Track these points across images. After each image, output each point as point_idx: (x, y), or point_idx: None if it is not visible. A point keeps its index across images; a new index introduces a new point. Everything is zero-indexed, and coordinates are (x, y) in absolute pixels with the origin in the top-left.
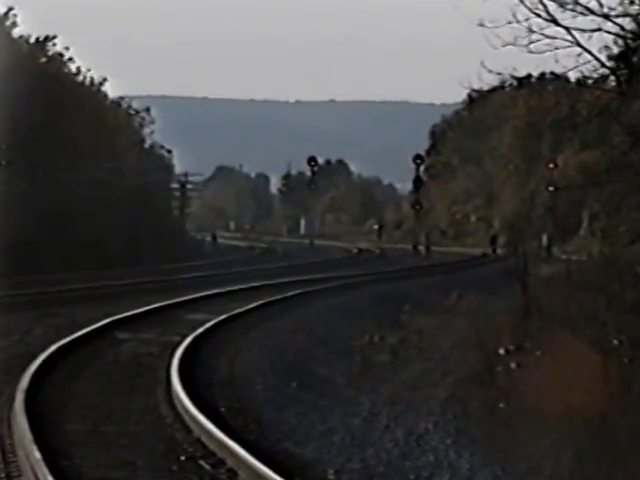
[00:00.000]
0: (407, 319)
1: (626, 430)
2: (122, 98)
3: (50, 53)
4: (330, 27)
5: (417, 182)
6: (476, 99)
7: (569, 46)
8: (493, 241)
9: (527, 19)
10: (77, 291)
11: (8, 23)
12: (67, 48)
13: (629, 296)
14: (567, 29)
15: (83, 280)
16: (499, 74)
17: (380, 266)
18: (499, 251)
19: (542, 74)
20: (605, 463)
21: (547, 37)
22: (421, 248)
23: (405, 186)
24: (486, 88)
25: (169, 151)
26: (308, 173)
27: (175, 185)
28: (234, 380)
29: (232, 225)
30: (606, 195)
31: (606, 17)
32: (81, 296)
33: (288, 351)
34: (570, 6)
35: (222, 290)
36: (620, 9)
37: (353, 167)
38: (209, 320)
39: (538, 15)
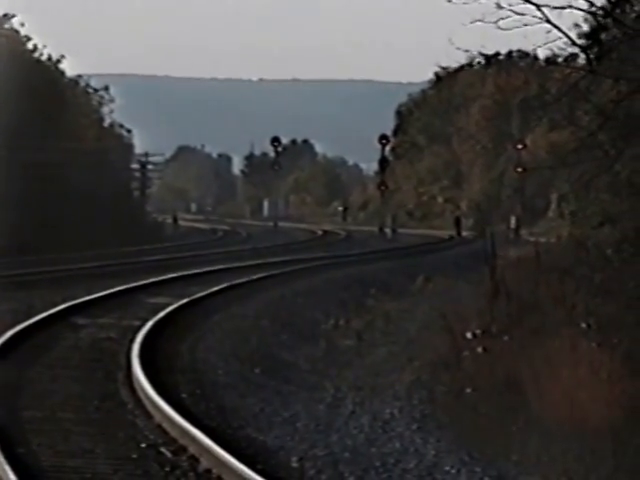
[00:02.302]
0: (373, 303)
1: (594, 414)
2: (80, 76)
3: (6, 31)
4: (294, 4)
5: (383, 162)
6: (443, 77)
7: (538, 23)
8: (457, 223)
9: None
10: (34, 275)
11: None
12: (23, 25)
13: (598, 279)
14: (537, 6)
15: (40, 264)
16: (467, 51)
17: (345, 249)
18: (465, 233)
19: (510, 52)
20: (573, 447)
21: (516, 14)
22: (387, 230)
23: (371, 167)
24: (454, 66)
25: (129, 130)
26: (271, 153)
27: (135, 165)
28: (196, 366)
29: (193, 207)
30: (575, 176)
31: None
32: (38, 280)
33: (251, 336)
34: None
35: (184, 273)
36: None
37: (318, 147)
38: (170, 304)
39: None
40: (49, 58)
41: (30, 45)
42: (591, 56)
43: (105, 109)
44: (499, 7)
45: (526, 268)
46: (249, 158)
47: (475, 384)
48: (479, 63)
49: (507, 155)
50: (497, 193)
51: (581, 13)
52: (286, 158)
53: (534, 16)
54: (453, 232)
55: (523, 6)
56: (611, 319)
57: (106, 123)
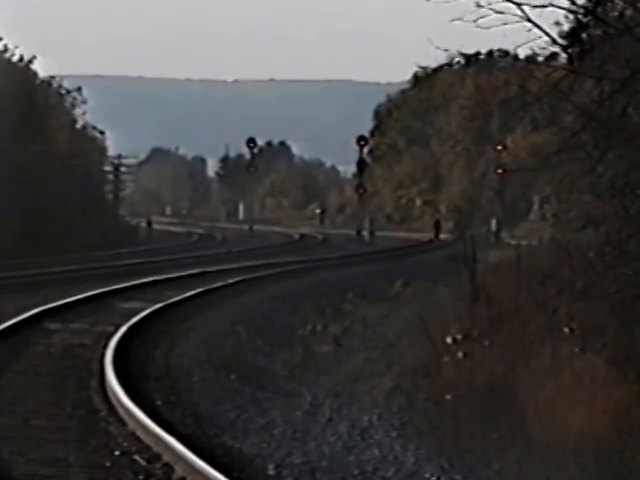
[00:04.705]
0: (351, 308)
1: (577, 420)
2: (52, 77)
3: None
4: (270, 3)
5: (361, 164)
6: (423, 78)
7: (519, 21)
8: (437, 226)
9: None
10: (4, 280)
11: None
12: None
13: (580, 283)
14: (517, 4)
15: (10, 268)
16: (446, 51)
17: (322, 252)
18: (445, 236)
19: (491, 51)
20: (555, 454)
21: (496, 12)
22: (365, 233)
23: (348, 169)
24: (433, 66)
25: (102, 132)
26: (247, 155)
27: (108, 168)
28: (171, 372)
29: (168, 210)
30: (557, 178)
31: None
32: (9, 285)
33: (227, 342)
34: None
35: (158, 278)
36: None
37: (294, 149)
38: (144, 309)
39: None
40: (21, 59)
41: (1, 45)
42: (572, 55)
43: (78, 111)
44: (478, 6)
45: (507, 271)
46: (224, 160)
47: (455, 390)
48: (458, 63)
49: (488, 157)
50: (477, 195)
51: (562, 11)
52: (262, 160)
53: (514, 14)
54: (432, 235)
55: (503, 4)
56: (594, 324)
57: (79, 125)
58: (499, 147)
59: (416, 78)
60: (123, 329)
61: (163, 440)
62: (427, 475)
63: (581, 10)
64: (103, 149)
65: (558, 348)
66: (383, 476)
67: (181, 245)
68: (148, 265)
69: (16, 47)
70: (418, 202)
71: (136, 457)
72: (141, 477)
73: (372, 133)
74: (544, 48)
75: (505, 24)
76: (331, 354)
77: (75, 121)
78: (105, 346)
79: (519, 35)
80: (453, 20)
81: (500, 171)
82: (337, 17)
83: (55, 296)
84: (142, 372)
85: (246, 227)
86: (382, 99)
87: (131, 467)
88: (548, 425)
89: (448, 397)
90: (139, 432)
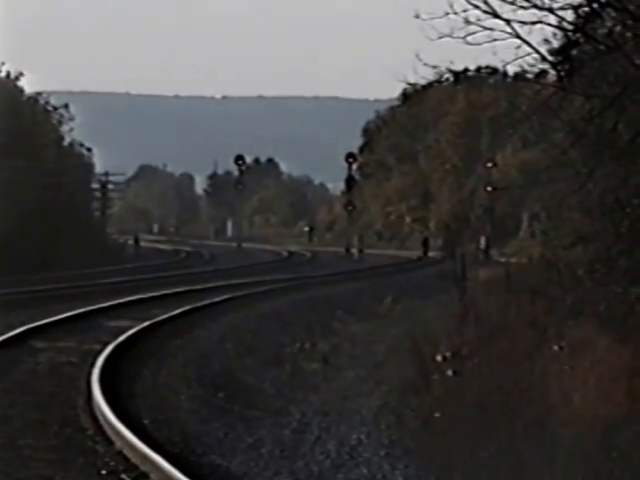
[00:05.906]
0: (339, 325)
1: (566, 440)
2: (39, 94)
3: None
4: (258, 20)
5: (350, 182)
6: (411, 94)
7: (508, 38)
8: (425, 244)
9: (465, 11)
10: None
11: None
12: None
13: (569, 300)
14: (507, 21)
15: None
16: (435, 67)
17: (311, 270)
18: (433, 254)
19: (479, 68)
20: (545, 473)
21: (485, 29)
22: (354, 251)
23: (337, 186)
24: (422, 82)
25: (89, 149)
26: (235, 172)
27: (95, 185)
28: (158, 390)
29: (156, 227)
30: (547, 195)
31: (549, 10)
32: None
33: (215, 360)
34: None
35: (145, 296)
36: (562, 1)
37: (283, 166)
38: (132, 327)
39: (477, 7)
40: (7, 75)
41: None
42: (562, 72)
43: (65, 127)
44: (467, 22)
45: (496, 289)
46: (212, 177)
47: (444, 408)
48: (447, 80)
49: (477, 174)
50: (467, 213)
51: (551, 29)
52: (250, 177)
53: (503, 31)
54: (421, 253)
55: (492, 21)
56: (583, 341)
57: (66, 142)
58: (489, 164)
59: (405, 95)
60: (110, 347)
61: (150, 459)
62: None
63: (570, 27)
64: (90, 166)
65: (547, 366)
66: None
67: (169, 263)
68: (135, 283)
69: (3, 63)
70: (407, 219)
71: (123, 476)
72: None
73: (361, 150)
74: (533, 65)
75: (494, 40)
76: (320, 372)
77: (62, 138)
78: (92, 364)
79: (508, 52)
80: (442, 37)
81: (490, 189)
82: (325, 34)
83: (41, 314)
84: (130, 391)
85: (234, 245)
86: (371, 116)
87: None
88: (538, 443)
89: (437, 415)
90: (126, 451)
